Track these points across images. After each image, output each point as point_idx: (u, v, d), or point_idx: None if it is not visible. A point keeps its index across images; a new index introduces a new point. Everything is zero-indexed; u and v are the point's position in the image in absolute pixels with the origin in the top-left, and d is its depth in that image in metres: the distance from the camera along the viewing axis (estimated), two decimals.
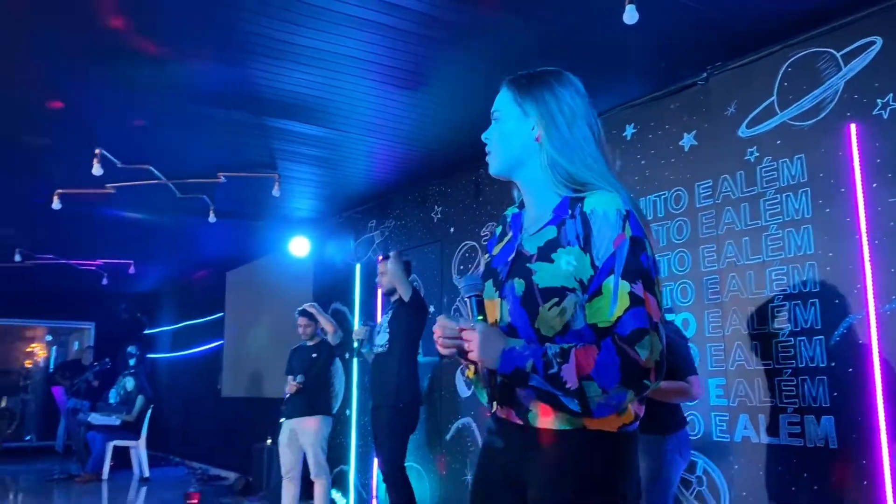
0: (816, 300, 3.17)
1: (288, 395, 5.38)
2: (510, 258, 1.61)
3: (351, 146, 5.00)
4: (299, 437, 5.34)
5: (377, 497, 5.96)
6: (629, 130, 4.17)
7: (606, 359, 1.40)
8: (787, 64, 3.38)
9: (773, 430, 3.25)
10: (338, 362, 6.59)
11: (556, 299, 1.47)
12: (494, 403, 1.56)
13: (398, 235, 6.17)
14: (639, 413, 1.53)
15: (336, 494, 6.03)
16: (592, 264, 1.46)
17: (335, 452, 6.31)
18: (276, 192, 5.46)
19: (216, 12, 3.19)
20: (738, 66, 3.57)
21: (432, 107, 4.27)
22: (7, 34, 3.40)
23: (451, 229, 5.55)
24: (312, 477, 5.30)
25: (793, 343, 3.23)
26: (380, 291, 5.69)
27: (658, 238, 3.91)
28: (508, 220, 1.74)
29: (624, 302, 1.41)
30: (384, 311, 4.80)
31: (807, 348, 3.18)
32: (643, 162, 4.07)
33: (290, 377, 5.41)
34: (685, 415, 3.35)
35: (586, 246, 1.47)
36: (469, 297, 1.56)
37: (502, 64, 3.57)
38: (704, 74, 3.72)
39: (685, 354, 3.22)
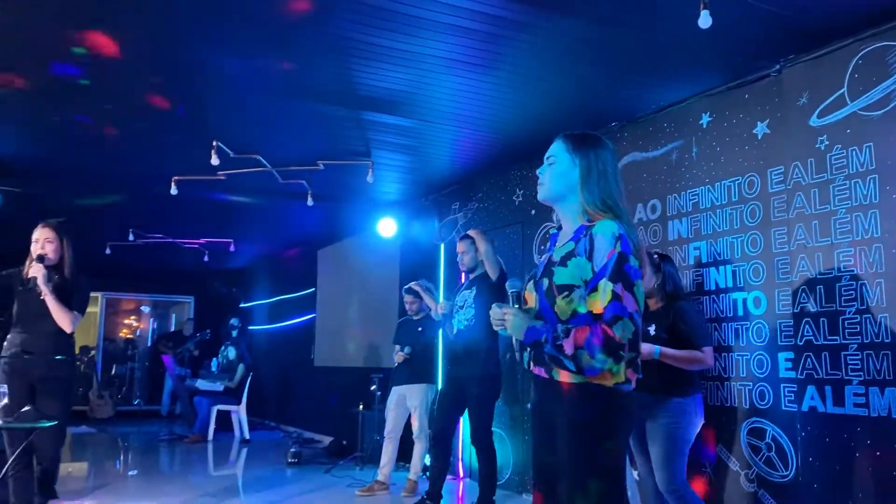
0: (881, 280, 3.37)
1: (396, 365, 5.88)
2: (544, 264, 2.28)
3: (436, 135, 5.36)
4: (407, 401, 5.81)
5: (462, 459, 6.39)
6: (705, 119, 4.39)
7: (592, 335, 2.04)
8: (857, 57, 3.55)
9: (838, 400, 3.48)
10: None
11: (567, 293, 2.13)
12: (531, 363, 2.26)
13: (481, 217, 6.50)
14: (631, 378, 2.11)
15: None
16: (592, 270, 2.12)
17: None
18: (370, 178, 5.88)
19: (321, 21, 3.59)
20: (810, 58, 3.75)
21: (511, 97, 4.57)
22: (144, 43, 3.91)
23: (532, 211, 5.86)
24: (415, 437, 5.76)
25: (859, 320, 3.44)
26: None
27: (732, 221, 4.15)
28: (549, 238, 2.44)
29: (608, 296, 2.07)
30: (463, 288, 5.05)
31: (872, 325, 3.39)
32: (718, 149, 4.29)
33: (398, 347, 5.88)
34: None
35: (590, 257, 2.13)
36: (511, 292, 2.27)
37: (578, 59, 3.89)
38: (777, 67, 3.91)
39: (701, 328, 3.64)
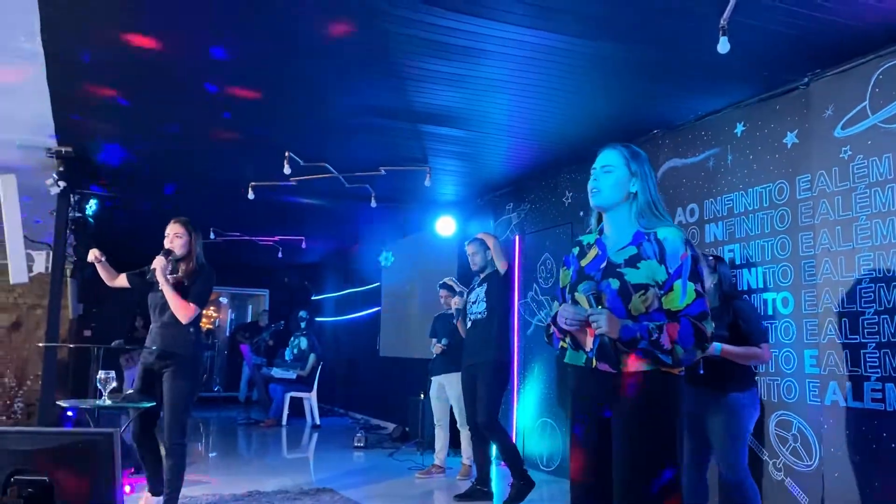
0: None
1: (435, 356, 6.22)
2: (602, 266, 2.40)
3: (488, 145, 5.72)
4: (446, 390, 6.13)
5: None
6: (739, 128, 4.63)
7: (685, 330, 2.23)
8: (878, 72, 3.75)
9: (858, 395, 3.71)
10: None
11: (643, 291, 2.29)
12: (594, 360, 2.33)
13: (533, 217, 6.80)
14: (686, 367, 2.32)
15: None
16: (666, 271, 2.30)
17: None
18: (427, 182, 6.27)
19: (382, 51, 4.02)
20: (835, 73, 3.96)
21: (558, 111, 4.90)
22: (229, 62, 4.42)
23: (581, 213, 6.14)
24: (459, 426, 6.06)
25: (877, 321, 3.66)
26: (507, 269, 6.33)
27: (763, 225, 4.39)
28: (590, 242, 2.55)
29: (691, 295, 2.28)
30: (475, 286, 5.36)
31: (889, 325, 3.61)
32: (751, 157, 4.53)
33: (434, 340, 6.24)
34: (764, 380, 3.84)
35: (661, 260, 2.32)
36: (588, 295, 2.33)
37: (618, 76, 4.20)
38: (806, 80, 4.13)
39: (758, 325, 3.73)
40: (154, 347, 4.07)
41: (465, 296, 5.57)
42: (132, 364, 12.30)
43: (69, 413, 5.73)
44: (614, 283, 2.32)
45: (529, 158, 6.09)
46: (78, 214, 6.76)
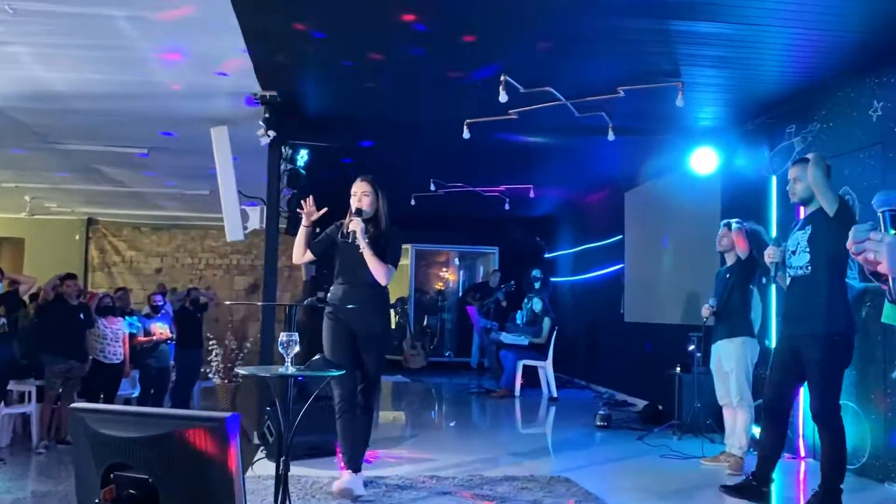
0: None
1: (711, 319, 5.73)
2: None
3: (764, 41, 4.84)
4: (723, 361, 5.52)
5: (803, 436, 5.76)
6: None
7: None
8: None
9: None
10: (754, 289, 6.46)
11: None
12: None
13: (825, 140, 5.72)
14: None
15: (756, 430, 5.96)
16: None
17: (754, 384, 6.27)
18: (679, 101, 5.49)
19: None
20: None
21: None
22: None
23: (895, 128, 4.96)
24: (734, 405, 5.43)
25: None
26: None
27: None
28: None
29: None
30: (797, 228, 4.54)
31: None
32: None
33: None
34: None
35: None
36: (882, 212, 1.63)
37: None
38: None
39: None
40: (349, 308, 4.24)
41: (780, 244, 4.66)
42: None
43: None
44: None
45: (821, 59, 5.10)
46: (290, 166, 6.87)
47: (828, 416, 4.21)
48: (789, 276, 4.47)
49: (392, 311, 4.29)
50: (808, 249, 4.33)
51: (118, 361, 7.40)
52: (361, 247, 4.23)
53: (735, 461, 5.35)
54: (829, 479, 4.17)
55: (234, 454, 1.45)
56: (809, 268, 4.31)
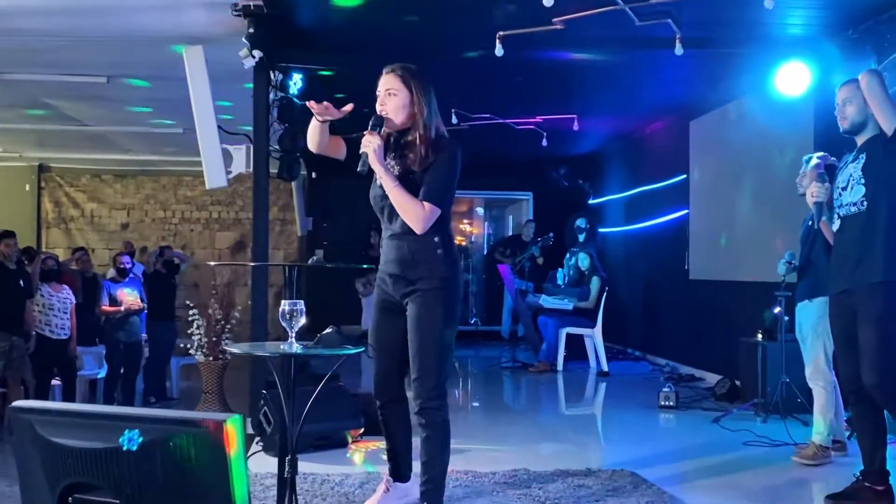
0: None
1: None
2: None
3: None
4: (802, 326, 5.51)
5: None
6: None
7: None
8: None
9: None
10: None
11: None
12: None
13: None
14: None
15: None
16: None
17: None
18: (768, 2, 5.26)
19: None
20: None
21: None
22: None
23: None
24: (808, 380, 5.42)
25: None
26: None
27: None
28: None
29: None
30: (849, 161, 4.48)
31: None
32: None
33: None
34: None
35: None
36: None
37: None
38: None
39: None
40: (388, 267, 3.70)
41: (824, 181, 4.60)
42: (370, 289, 12.86)
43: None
44: None
45: None
46: (281, 94, 6.73)
47: (888, 384, 4.11)
48: (838, 217, 4.41)
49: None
50: (862, 181, 4.25)
51: (66, 337, 7.39)
52: (379, 176, 3.58)
53: (811, 449, 5.28)
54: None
55: (237, 470, 1.27)
56: (865, 203, 4.24)
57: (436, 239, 3.65)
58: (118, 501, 1.31)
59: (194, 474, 1.31)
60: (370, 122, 3.58)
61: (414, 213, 3.54)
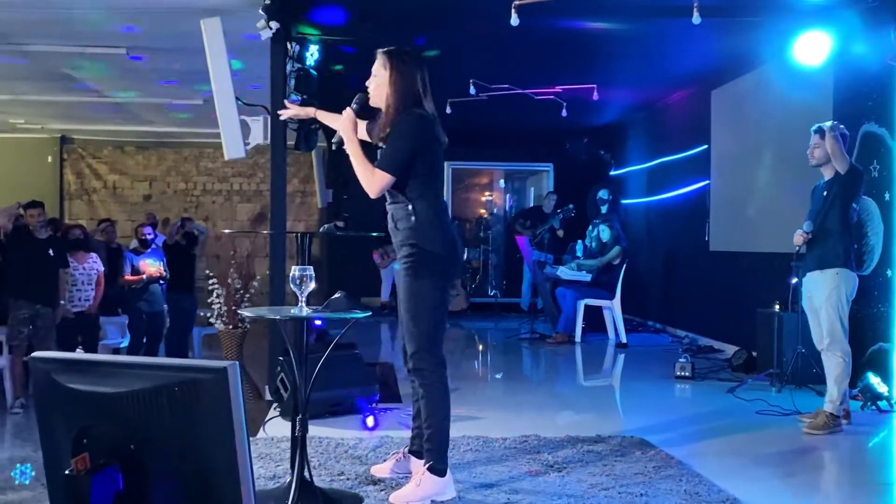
0: None
1: (797, 248, 5.75)
2: None
3: None
4: (813, 297, 5.53)
5: None
6: None
7: None
8: None
9: None
10: (873, 206, 6.32)
11: None
12: None
13: None
14: None
15: (874, 379, 5.88)
16: None
17: (870, 324, 6.24)
18: None
19: None
20: None
21: None
22: None
23: None
24: (821, 349, 5.45)
25: None
26: None
27: None
28: None
29: None
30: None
31: None
32: None
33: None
34: None
35: None
36: None
37: None
38: None
39: None
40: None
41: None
42: (388, 260, 12.97)
43: (316, 322, 5.68)
44: None
45: None
46: (297, 66, 6.77)
47: None
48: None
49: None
50: None
51: (83, 309, 7.50)
52: (346, 147, 3.83)
53: (822, 418, 5.29)
54: None
55: (237, 413, 1.38)
56: None
57: (409, 207, 3.81)
58: (130, 443, 1.43)
59: (199, 417, 1.41)
60: (356, 98, 3.86)
61: (365, 179, 3.78)
